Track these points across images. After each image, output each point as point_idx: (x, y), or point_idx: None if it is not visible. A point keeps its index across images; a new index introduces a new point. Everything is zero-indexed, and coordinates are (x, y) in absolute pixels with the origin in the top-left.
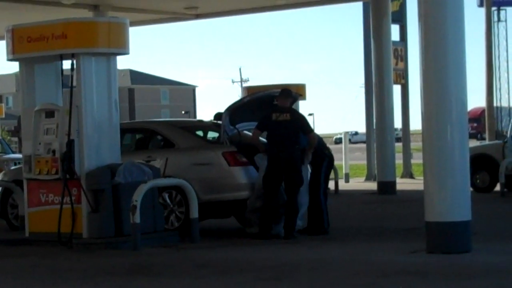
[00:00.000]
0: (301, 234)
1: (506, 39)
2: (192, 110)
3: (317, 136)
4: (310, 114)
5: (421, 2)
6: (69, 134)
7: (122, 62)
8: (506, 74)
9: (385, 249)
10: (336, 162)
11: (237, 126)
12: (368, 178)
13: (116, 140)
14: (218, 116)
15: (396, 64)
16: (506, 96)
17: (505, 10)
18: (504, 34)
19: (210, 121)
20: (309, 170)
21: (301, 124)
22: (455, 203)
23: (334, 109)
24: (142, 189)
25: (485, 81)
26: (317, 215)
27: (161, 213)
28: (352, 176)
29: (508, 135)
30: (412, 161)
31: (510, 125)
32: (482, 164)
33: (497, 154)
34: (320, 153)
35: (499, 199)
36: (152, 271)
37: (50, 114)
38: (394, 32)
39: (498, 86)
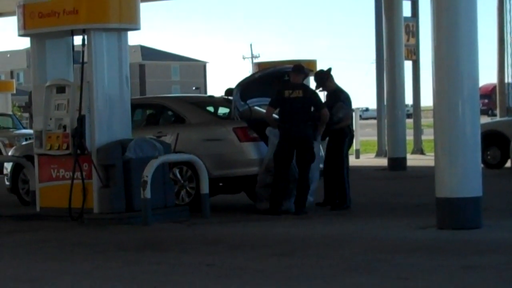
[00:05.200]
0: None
1: None
2: (203, 86)
3: (348, 112)
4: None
5: None
6: (80, 110)
7: (133, 38)
8: None
9: (395, 225)
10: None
11: (248, 101)
12: (379, 154)
13: (127, 116)
14: (229, 91)
15: (408, 40)
16: None
17: None
18: None
19: (221, 97)
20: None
21: (314, 101)
22: (466, 179)
23: (345, 85)
24: (152, 165)
25: (497, 57)
26: (340, 191)
27: (172, 189)
28: (362, 152)
29: None
30: (423, 137)
31: None
32: (493, 140)
33: (508, 130)
34: (346, 129)
35: (510, 175)
36: (163, 247)
37: (61, 89)
38: (406, 8)
39: (509, 62)
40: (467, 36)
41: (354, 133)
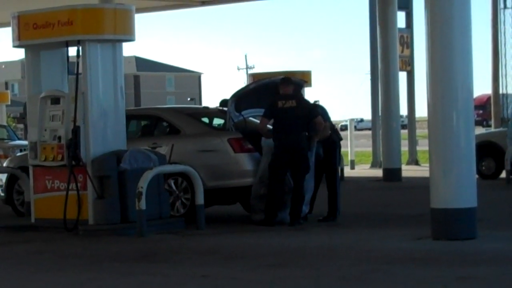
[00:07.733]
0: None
1: None
2: (198, 97)
3: (330, 122)
4: (315, 101)
5: None
6: (74, 121)
7: (128, 49)
8: None
9: (390, 235)
10: (341, 149)
11: (242, 112)
12: (374, 165)
13: (121, 127)
14: (223, 102)
15: (402, 51)
16: None
17: None
18: (510, 21)
19: (216, 108)
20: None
21: (307, 110)
22: (461, 190)
23: (340, 96)
24: (147, 176)
25: (491, 68)
26: (332, 201)
27: (167, 200)
28: (357, 163)
29: (509, 123)
30: (418, 148)
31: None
32: (487, 151)
33: (503, 141)
34: (335, 138)
35: (505, 186)
36: (158, 258)
37: (55, 100)
38: (400, 19)
39: (504, 73)
40: (461, 47)
41: (349, 143)
